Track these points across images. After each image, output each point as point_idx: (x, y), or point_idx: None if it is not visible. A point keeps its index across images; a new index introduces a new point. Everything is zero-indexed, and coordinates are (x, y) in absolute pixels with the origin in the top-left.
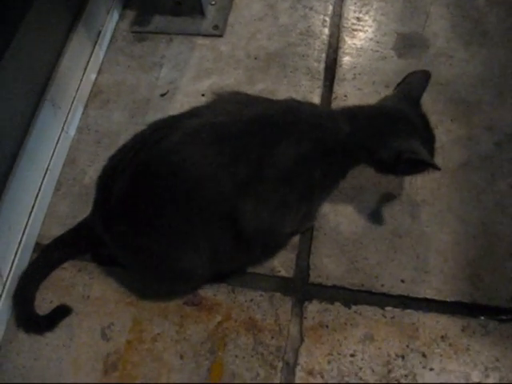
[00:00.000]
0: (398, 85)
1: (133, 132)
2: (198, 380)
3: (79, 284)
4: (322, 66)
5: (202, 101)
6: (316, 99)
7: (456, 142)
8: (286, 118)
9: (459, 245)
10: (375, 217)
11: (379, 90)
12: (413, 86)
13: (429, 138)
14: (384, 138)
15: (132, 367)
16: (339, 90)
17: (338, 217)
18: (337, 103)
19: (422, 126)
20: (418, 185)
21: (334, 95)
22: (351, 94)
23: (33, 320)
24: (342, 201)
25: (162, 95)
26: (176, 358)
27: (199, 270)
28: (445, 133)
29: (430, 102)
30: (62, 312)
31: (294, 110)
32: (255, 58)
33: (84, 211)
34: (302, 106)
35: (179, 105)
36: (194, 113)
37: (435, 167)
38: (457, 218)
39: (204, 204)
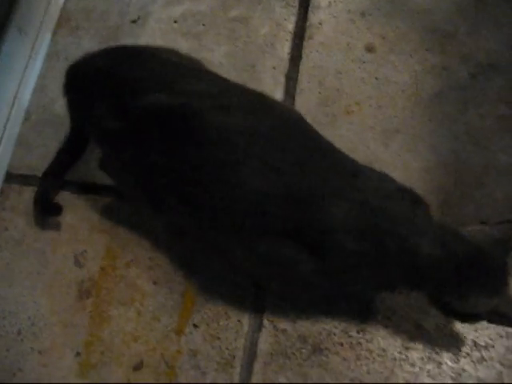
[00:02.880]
0: (499, 223)
1: None
2: (172, 305)
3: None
4: None
5: (175, 27)
6: (290, 26)
7: (430, 71)
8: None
9: (430, 173)
10: (347, 144)
11: (354, 18)
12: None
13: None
14: (466, 287)
15: (106, 293)
16: (314, 17)
17: None
18: (311, 31)
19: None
20: (390, 114)
21: (308, 23)
22: (326, 21)
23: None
24: None
25: (133, 21)
26: (149, 283)
27: None
28: (419, 62)
29: (405, 31)
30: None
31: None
32: None
33: (55, 139)
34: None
35: (151, 31)
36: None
37: None
38: (428, 147)
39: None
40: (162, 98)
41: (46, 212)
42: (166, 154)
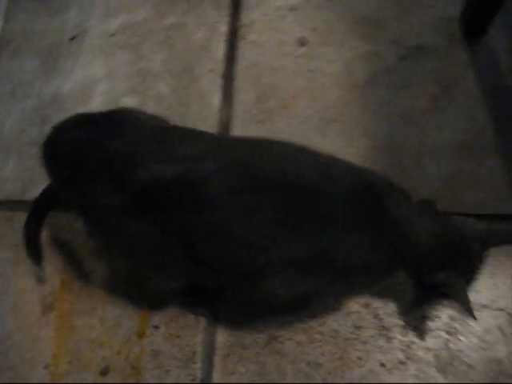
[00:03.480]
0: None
1: (46, 80)
2: (132, 309)
3: (9, 233)
4: None
5: (113, 41)
6: (223, 29)
7: (362, 58)
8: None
9: (367, 158)
10: (286, 137)
11: (285, 14)
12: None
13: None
14: (443, 268)
15: (68, 305)
16: (245, 17)
17: None
18: (244, 31)
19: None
20: (326, 104)
21: (240, 23)
22: (257, 20)
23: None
24: None
25: (72, 39)
26: (108, 292)
27: None
28: (350, 50)
29: (334, 22)
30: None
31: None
32: None
33: (4, 163)
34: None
35: (89, 47)
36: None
37: (470, 314)
38: (364, 132)
39: None
40: (162, 168)
41: (32, 257)
42: (176, 221)
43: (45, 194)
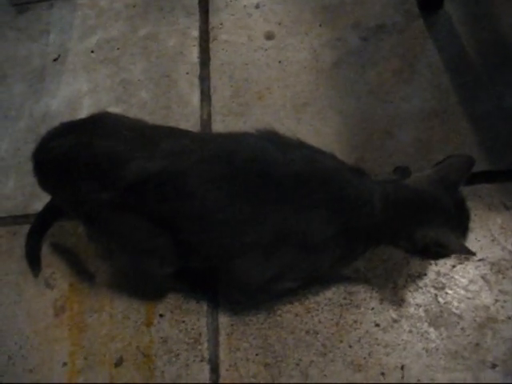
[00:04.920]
0: (437, 164)
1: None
2: (138, 302)
3: (16, 246)
4: (196, 0)
5: (93, 57)
6: (195, 33)
7: (326, 44)
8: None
9: (342, 134)
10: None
11: (250, 11)
12: (452, 169)
13: (462, 222)
14: (414, 226)
15: (78, 305)
16: (214, 20)
17: None
18: (214, 33)
19: (457, 212)
20: (297, 90)
21: (210, 26)
22: (226, 21)
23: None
24: None
25: (55, 60)
26: (114, 288)
27: None
28: (315, 38)
29: (298, 13)
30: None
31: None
32: (133, 6)
33: (5, 182)
34: (326, 160)
35: (72, 66)
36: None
37: (468, 252)
38: (337, 113)
39: None
40: (148, 163)
41: (32, 265)
42: (163, 211)
43: (47, 208)
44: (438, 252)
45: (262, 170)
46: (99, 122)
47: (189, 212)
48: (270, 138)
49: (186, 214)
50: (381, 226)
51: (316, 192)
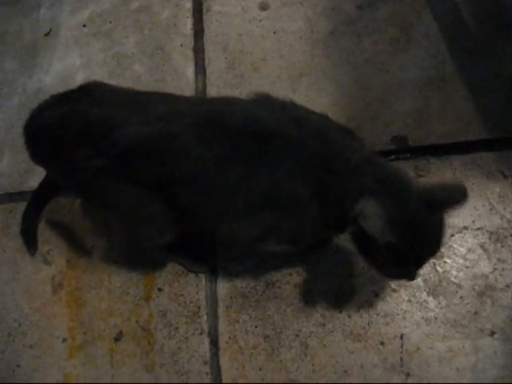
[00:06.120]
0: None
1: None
2: (136, 276)
3: (13, 223)
4: None
5: (85, 31)
6: (188, 5)
7: (321, 13)
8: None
9: (338, 105)
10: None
11: None
12: (445, 190)
13: (430, 243)
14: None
15: (76, 281)
16: None
17: None
18: (208, 4)
19: (428, 230)
20: (293, 61)
21: None
22: None
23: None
24: None
25: (47, 34)
26: (112, 263)
27: None
28: (310, 8)
29: None
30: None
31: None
32: None
33: None
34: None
35: (64, 40)
36: None
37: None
38: (332, 82)
39: None
40: (140, 128)
41: (28, 244)
42: (157, 175)
43: (42, 185)
44: (362, 235)
45: (252, 131)
46: (90, 91)
47: (183, 175)
48: (261, 100)
49: (180, 177)
50: (348, 188)
51: (297, 152)
